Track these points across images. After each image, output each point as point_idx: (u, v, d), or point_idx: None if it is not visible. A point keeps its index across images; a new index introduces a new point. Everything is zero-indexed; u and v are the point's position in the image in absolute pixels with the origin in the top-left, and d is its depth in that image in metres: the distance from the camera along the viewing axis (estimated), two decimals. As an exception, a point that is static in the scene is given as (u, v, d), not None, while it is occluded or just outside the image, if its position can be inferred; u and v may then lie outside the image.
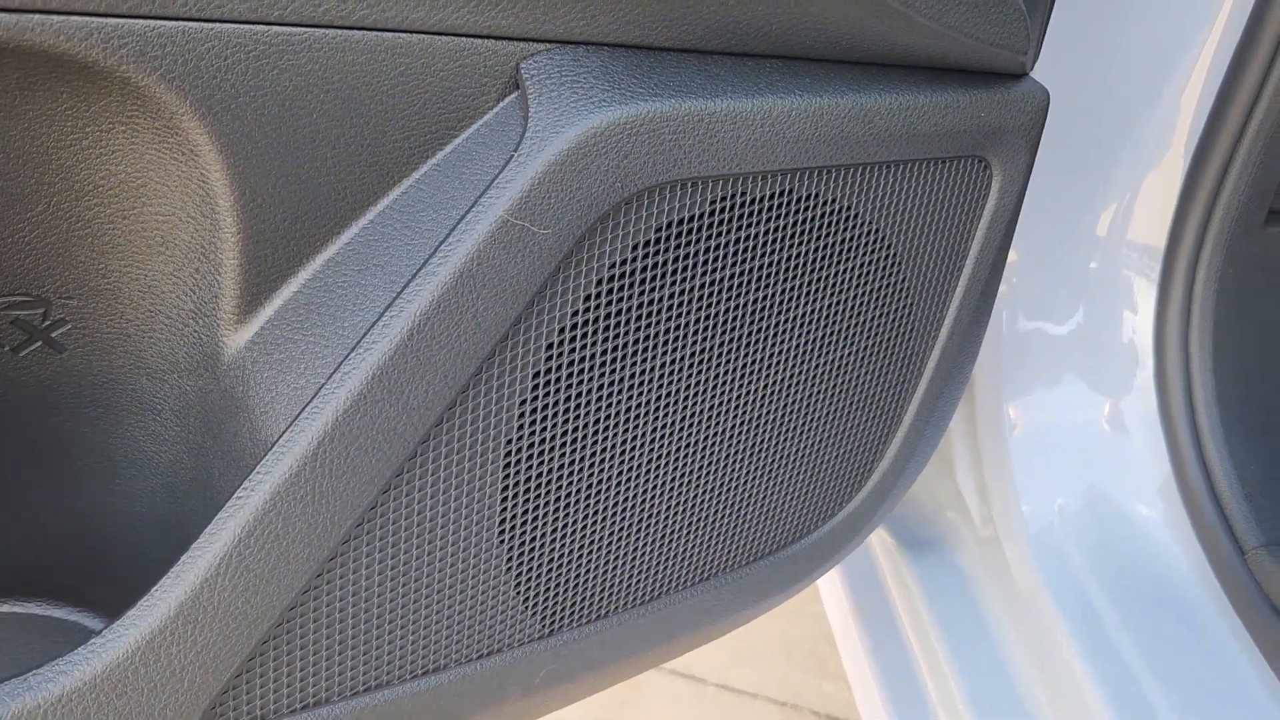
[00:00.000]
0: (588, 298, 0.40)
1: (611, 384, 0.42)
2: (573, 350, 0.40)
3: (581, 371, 0.41)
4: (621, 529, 0.46)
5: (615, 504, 0.45)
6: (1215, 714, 0.67)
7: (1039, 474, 0.77)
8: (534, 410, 0.41)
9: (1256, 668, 0.68)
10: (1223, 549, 0.71)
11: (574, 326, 0.40)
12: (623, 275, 0.40)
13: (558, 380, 0.41)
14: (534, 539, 0.43)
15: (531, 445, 0.41)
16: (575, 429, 0.42)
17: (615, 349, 0.42)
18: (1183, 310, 0.73)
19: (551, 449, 0.42)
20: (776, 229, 0.44)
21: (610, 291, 0.40)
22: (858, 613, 0.92)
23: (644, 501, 0.47)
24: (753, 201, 0.43)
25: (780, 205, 0.44)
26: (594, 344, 0.41)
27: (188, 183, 0.36)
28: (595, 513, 0.45)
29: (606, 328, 0.41)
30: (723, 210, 0.42)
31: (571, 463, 0.43)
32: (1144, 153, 0.70)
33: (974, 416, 0.80)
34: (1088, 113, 0.69)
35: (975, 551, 0.84)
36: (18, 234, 0.37)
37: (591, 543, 0.45)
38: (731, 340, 0.46)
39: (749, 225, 0.43)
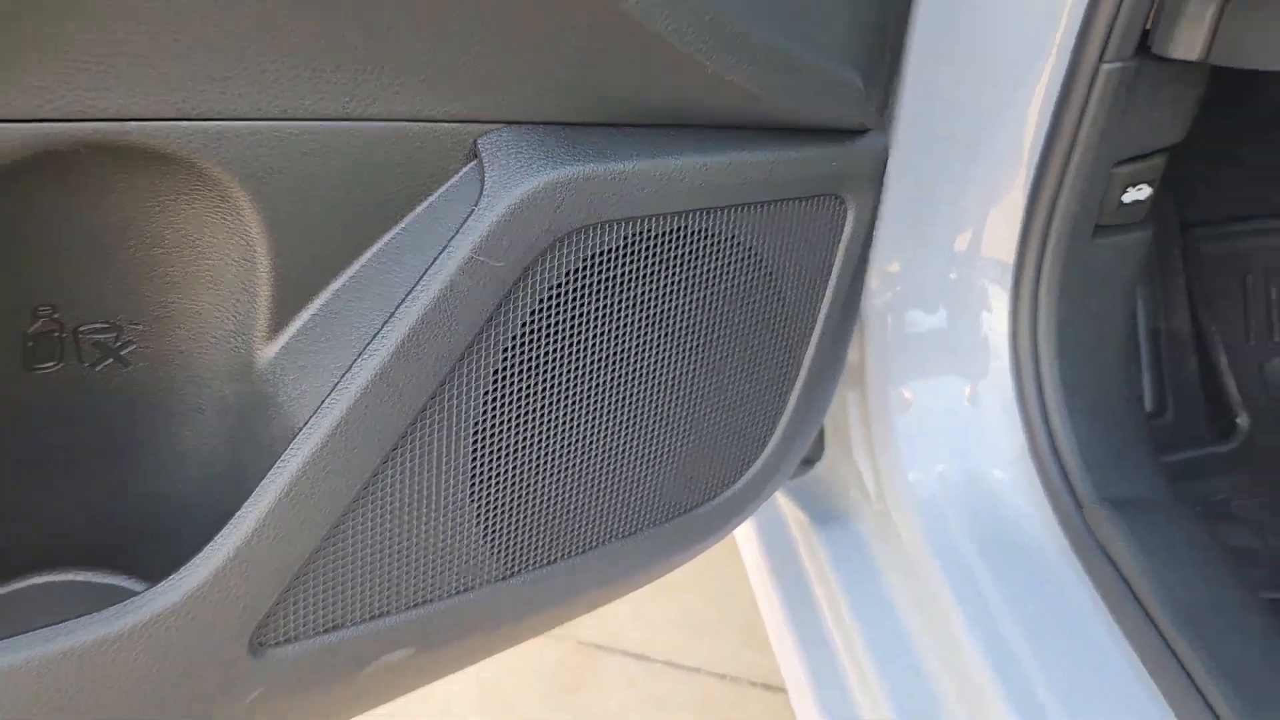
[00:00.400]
0: (533, 312, 0.53)
1: (553, 377, 0.56)
2: (522, 352, 0.53)
3: (529, 368, 0.54)
4: (566, 490, 0.59)
5: (560, 471, 0.59)
6: (1061, 648, 0.81)
7: (921, 450, 0.91)
8: (494, 398, 0.53)
9: (1094, 603, 0.82)
10: (1066, 505, 0.85)
11: (522, 334, 0.53)
12: (559, 295, 0.54)
13: (511, 375, 0.54)
14: (496, 498, 0.56)
15: (493, 425, 0.54)
16: (526, 413, 0.55)
17: (555, 350, 0.55)
18: (1031, 310, 0.88)
19: (508, 427, 0.55)
20: (677, 256, 0.58)
21: (549, 307, 0.53)
22: (777, 580, 1.05)
23: (583, 468, 0.60)
24: (657, 236, 0.56)
25: (679, 238, 0.57)
26: (538, 347, 0.54)
27: (233, 236, 0.49)
28: (544, 478, 0.58)
29: (547, 335, 0.54)
30: (634, 243, 0.56)
31: (523, 438, 0.56)
32: (991, 184, 0.85)
33: (866, 404, 0.94)
34: (944, 153, 0.84)
35: (872, 522, 0.98)
36: (101, 278, 0.49)
37: (542, 501, 0.58)
38: (646, 342, 0.59)
39: (655, 254, 0.57)
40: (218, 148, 0.45)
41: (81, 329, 0.51)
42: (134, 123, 0.43)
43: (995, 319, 0.89)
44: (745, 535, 1.11)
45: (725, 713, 1.35)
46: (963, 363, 0.91)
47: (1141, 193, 0.87)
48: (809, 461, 1.07)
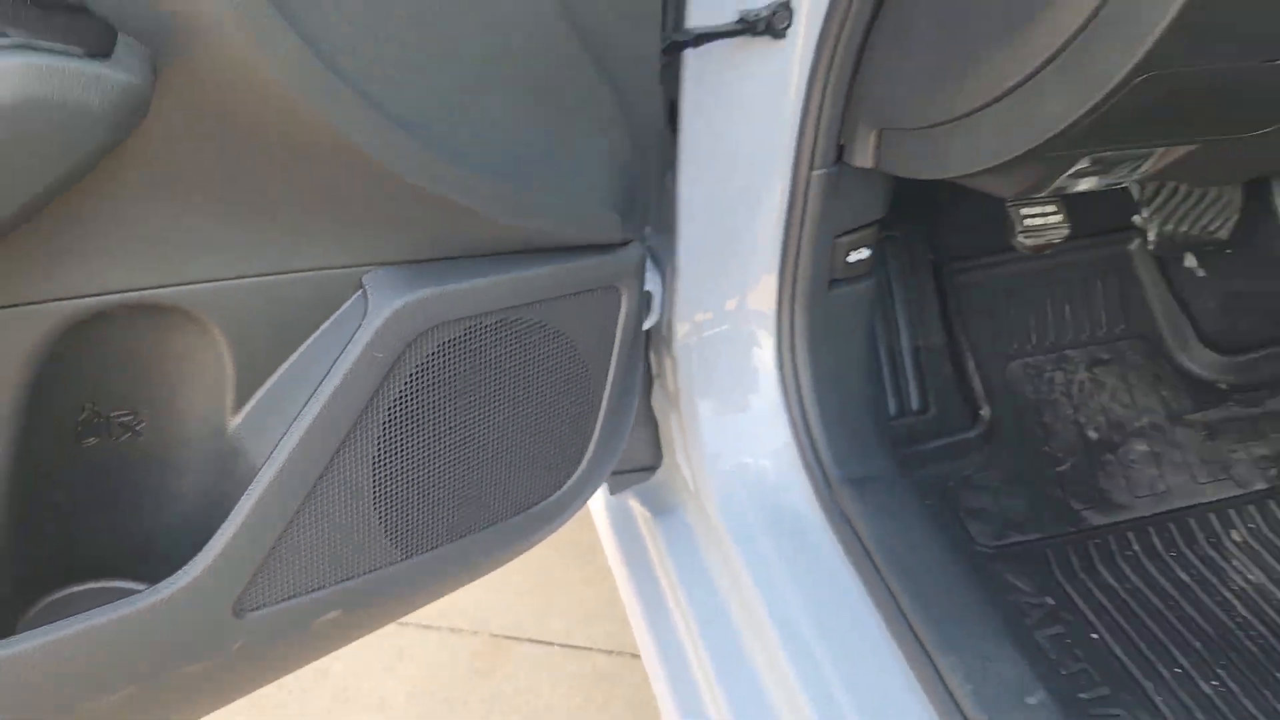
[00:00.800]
0: (406, 384, 0.82)
1: (423, 424, 0.85)
2: (400, 410, 0.82)
3: (406, 419, 0.83)
4: (440, 497, 0.88)
5: (435, 484, 0.88)
6: (821, 595, 1.11)
7: (718, 450, 1.22)
8: (384, 440, 0.82)
9: (840, 559, 1.13)
10: (820, 485, 1.17)
11: (400, 398, 0.82)
12: (423, 370, 0.83)
13: (394, 425, 0.83)
14: (391, 505, 0.85)
15: (384, 458, 0.83)
16: (407, 448, 0.84)
17: (423, 406, 0.84)
18: (790, 345, 1.20)
19: (395, 458, 0.84)
20: (503, 338, 0.87)
21: (416, 381, 0.83)
22: (629, 567, 1.35)
23: (451, 482, 0.89)
24: (487, 326, 0.86)
25: (502, 325, 0.87)
26: (411, 405, 0.83)
27: (209, 352, 0.77)
28: (424, 489, 0.87)
29: (416, 398, 0.83)
30: (471, 332, 0.85)
31: (407, 465, 0.85)
32: (751, 258, 1.16)
33: (682, 422, 1.25)
34: (718, 240, 1.15)
35: (694, 511, 1.28)
36: (126, 382, 0.77)
37: (424, 506, 0.87)
38: (487, 395, 0.89)
39: (487, 338, 0.86)
40: (201, 301, 0.74)
41: (112, 414, 0.79)
42: (151, 290, 0.72)
43: (764, 353, 1.21)
44: (606, 534, 1.41)
45: (612, 680, 1.65)
46: (745, 385, 1.22)
47: (862, 254, 1.19)
48: (650, 468, 1.38)
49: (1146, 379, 1.58)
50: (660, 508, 1.33)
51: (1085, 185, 1.00)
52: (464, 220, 0.81)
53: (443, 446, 0.87)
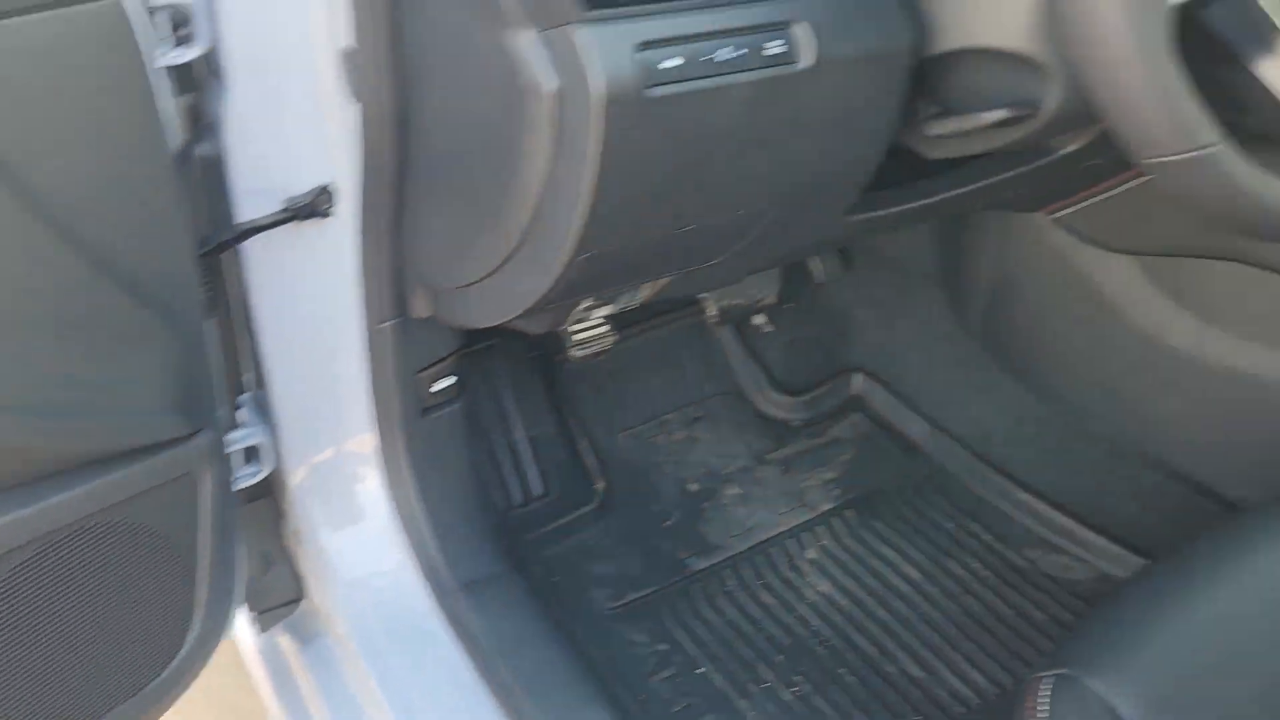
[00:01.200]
0: (-17, 611, 0.88)
1: (12, 643, 0.90)
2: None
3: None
4: (40, 703, 0.94)
5: (32, 693, 0.93)
6: (444, 694, 1.24)
7: (344, 578, 1.33)
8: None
9: (464, 662, 1.27)
10: (439, 593, 1.30)
11: (-21, 627, 0.88)
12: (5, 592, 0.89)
13: (-23, 652, 0.88)
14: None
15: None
16: (12, 664, 0.90)
17: (7, 628, 0.90)
18: (397, 473, 1.32)
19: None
20: (82, 546, 0.94)
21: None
22: (278, 694, 1.43)
23: (49, 686, 0.95)
24: (61, 540, 0.93)
25: (79, 535, 0.94)
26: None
27: None
28: (21, 701, 0.92)
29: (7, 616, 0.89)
30: (46, 549, 0.92)
31: (15, 678, 0.90)
32: (344, 405, 1.28)
33: (309, 555, 1.35)
34: (314, 397, 1.26)
35: (331, 635, 1.38)
36: None
37: (26, 715, 0.93)
38: (77, 599, 0.95)
39: (64, 551, 0.93)
40: None
41: None
42: None
43: (371, 485, 1.33)
44: (257, 670, 1.48)
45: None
46: (360, 514, 1.33)
47: (447, 381, 1.34)
48: (295, 601, 1.46)
49: (733, 428, 1.84)
50: (306, 636, 1.42)
51: (601, 313, 1.21)
52: (19, 454, 0.88)
53: (39, 655, 0.93)
